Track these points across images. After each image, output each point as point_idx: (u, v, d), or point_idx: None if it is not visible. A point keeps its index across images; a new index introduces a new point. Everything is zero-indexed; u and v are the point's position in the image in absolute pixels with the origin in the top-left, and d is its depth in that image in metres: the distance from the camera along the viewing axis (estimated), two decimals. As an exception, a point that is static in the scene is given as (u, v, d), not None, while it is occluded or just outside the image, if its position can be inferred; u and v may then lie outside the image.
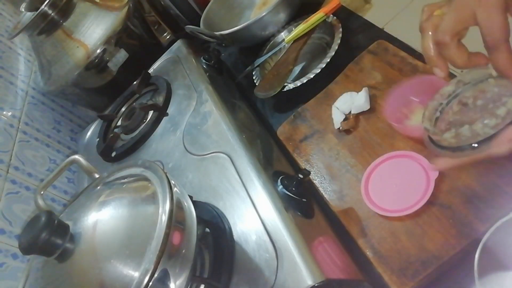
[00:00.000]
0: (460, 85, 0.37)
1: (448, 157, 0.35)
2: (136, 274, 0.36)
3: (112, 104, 0.95)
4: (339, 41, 0.69)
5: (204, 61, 0.84)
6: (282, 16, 0.82)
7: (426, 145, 0.37)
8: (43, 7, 0.85)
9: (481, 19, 0.33)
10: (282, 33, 0.84)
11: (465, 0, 0.34)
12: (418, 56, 0.59)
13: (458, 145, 0.34)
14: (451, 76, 0.38)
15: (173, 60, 0.88)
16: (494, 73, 0.34)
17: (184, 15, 0.99)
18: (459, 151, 0.34)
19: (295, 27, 0.80)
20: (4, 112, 0.84)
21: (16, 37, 0.88)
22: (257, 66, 0.81)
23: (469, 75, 0.36)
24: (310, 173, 0.56)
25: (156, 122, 0.76)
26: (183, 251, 0.39)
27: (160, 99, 0.80)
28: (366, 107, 0.59)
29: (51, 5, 0.87)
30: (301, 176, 0.53)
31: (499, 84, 0.34)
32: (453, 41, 0.35)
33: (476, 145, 0.32)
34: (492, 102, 0.34)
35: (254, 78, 0.80)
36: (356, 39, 0.73)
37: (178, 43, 0.90)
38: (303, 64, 0.80)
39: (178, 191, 0.43)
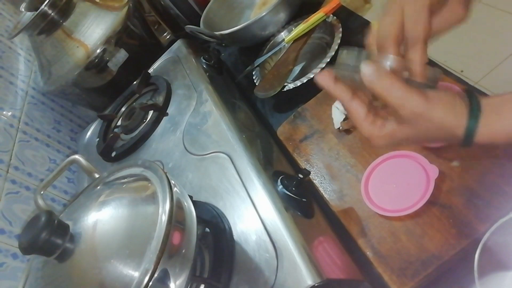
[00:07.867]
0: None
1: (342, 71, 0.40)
2: (136, 274, 0.36)
3: (112, 104, 0.95)
4: (339, 41, 0.69)
5: (204, 61, 0.84)
6: (282, 16, 0.82)
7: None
8: (43, 7, 0.85)
9: (407, 13, 0.36)
10: (282, 33, 0.84)
11: None
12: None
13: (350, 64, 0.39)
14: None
15: (173, 60, 0.88)
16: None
17: (184, 15, 0.99)
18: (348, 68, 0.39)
19: (295, 27, 0.80)
20: (4, 112, 0.84)
21: (16, 37, 0.88)
22: (257, 66, 0.81)
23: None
24: (310, 173, 0.56)
25: (156, 122, 0.76)
26: (183, 251, 0.39)
27: (160, 99, 0.80)
28: (366, 107, 0.59)
29: (51, 5, 0.87)
30: (301, 176, 0.53)
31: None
32: (394, 45, 0.38)
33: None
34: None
35: (254, 78, 0.80)
36: (356, 39, 0.72)
37: (178, 43, 0.90)
38: (303, 64, 0.80)
39: (178, 191, 0.43)
